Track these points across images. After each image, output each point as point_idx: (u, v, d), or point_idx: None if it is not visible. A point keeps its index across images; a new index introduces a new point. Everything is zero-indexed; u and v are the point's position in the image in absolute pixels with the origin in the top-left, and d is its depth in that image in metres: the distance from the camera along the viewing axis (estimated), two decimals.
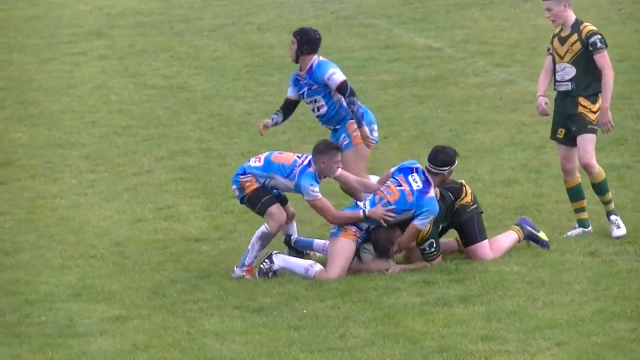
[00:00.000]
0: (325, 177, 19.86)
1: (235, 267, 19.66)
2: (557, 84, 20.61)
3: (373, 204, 19.83)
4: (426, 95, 31.57)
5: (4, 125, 29.22)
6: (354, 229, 20.31)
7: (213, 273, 19.48)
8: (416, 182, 19.74)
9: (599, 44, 20.05)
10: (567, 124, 20.87)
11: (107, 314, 17.30)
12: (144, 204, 22.90)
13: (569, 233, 20.18)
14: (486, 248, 20.40)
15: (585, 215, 20.43)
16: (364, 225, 20.42)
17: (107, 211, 22.37)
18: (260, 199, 20.09)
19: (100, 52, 34.69)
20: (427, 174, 19.67)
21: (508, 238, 20.58)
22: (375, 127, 21.43)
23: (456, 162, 19.86)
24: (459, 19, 39.66)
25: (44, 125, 28.14)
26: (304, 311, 17.67)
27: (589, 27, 20.13)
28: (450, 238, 20.43)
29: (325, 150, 19.96)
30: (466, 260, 20.08)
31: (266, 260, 20.14)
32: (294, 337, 16.61)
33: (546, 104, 20.41)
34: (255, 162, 19.95)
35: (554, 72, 20.98)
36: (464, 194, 20.07)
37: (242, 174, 20.09)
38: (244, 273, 19.47)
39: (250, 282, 19.50)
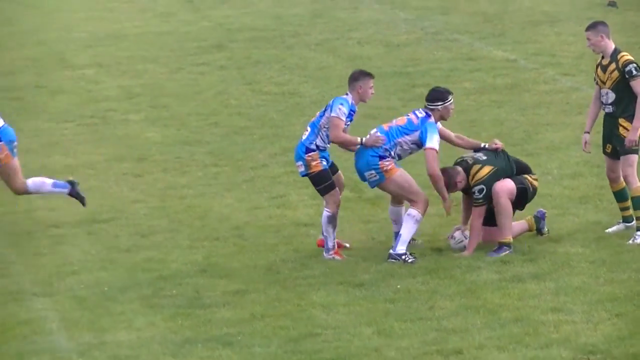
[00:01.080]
0: (361, 101, 21.85)
1: (324, 253, 21.66)
2: (602, 106, 22.66)
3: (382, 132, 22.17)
4: (503, 101, 34.06)
5: (140, 126, 32.19)
6: (386, 162, 22.31)
7: (319, 253, 21.47)
8: (420, 112, 22.09)
9: (634, 72, 22.27)
10: (613, 141, 22.82)
11: (229, 288, 19.49)
12: (259, 193, 25.18)
13: (612, 229, 21.95)
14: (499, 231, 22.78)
15: (629, 212, 22.38)
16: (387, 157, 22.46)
17: (228, 200, 24.83)
18: (325, 181, 22.09)
19: (221, 62, 37.85)
20: (427, 111, 22.12)
21: (519, 227, 23.12)
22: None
23: (449, 98, 21.95)
24: (531, 34, 42.81)
25: (174, 126, 31.19)
26: (398, 286, 19.68)
27: (625, 56, 22.08)
28: (522, 220, 22.27)
29: (359, 77, 21.86)
30: (538, 241, 22.06)
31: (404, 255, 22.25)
32: (389, 308, 18.71)
33: (586, 143, 22.84)
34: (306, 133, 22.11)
35: (600, 96, 23.15)
36: (532, 176, 22.17)
37: (306, 152, 22.08)
38: (333, 256, 21.43)
39: (351, 261, 21.38)
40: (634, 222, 21.51)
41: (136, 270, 20.21)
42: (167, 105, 33.82)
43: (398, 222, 22.13)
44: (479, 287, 19.64)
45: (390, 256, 21.15)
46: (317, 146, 21.94)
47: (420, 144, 22.09)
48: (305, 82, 36.53)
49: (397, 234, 21.63)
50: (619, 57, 22.12)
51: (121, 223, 22.44)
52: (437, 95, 21.80)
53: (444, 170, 21.48)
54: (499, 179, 21.82)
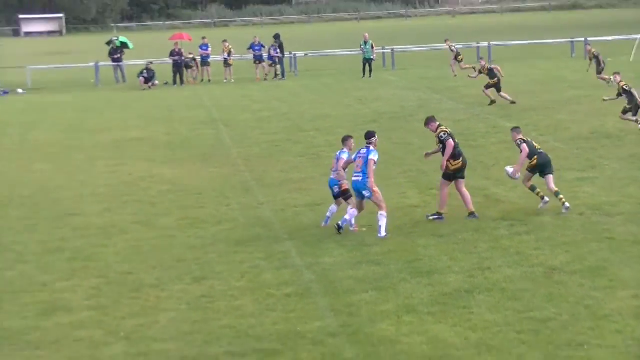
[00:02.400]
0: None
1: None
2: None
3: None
4: None
5: None
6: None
7: None
8: (364, 148, 29.96)
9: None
10: None
11: None
12: None
13: None
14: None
15: None
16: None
17: None
18: (349, 192, 29.66)
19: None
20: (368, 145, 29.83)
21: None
22: None
23: (376, 136, 29.92)
24: None
25: None
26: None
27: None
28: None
29: (373, 133, 29.63)
30: None
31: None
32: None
33: None
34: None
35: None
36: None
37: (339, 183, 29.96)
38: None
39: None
40: None
41: None
42: None
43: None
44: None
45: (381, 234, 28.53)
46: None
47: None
48: (413, 138, 45.54)
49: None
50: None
51: None
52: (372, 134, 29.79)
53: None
54: None
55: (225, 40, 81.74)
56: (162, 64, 77.74)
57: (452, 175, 29.97)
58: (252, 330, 21.26)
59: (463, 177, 30.22)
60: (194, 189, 36.41)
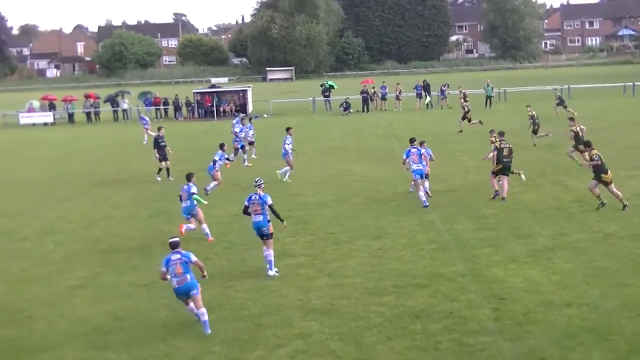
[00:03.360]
0: None
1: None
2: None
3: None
4: None
5: None
6: None
7: None
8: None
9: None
10: None
11: None
12: None
13: None
14: None
15: None
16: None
17: None
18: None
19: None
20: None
21: None
22: None
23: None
24: None
25: None
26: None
27: None
28: None
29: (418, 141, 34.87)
30: None
31: None
32: None
33: None
34: None
35: None
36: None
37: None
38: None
39: None
40: None
41: None
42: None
43: None
44: None
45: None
46: None
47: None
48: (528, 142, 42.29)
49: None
50: None
51: None
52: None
53: None
54: None
55: (398, 83, 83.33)
56: (355, 98, 76.53)
57: (497, 173, 29.43)
58: (410, 271, 21.31)
59: (505, 175, 29.15)
60: (374, 179, 35.81)
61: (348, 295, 19.22)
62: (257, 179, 22.26)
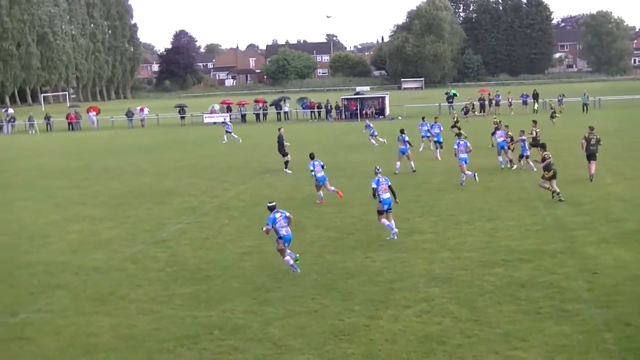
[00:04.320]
0: None
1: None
2: None
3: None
4: None
5: None
6: None
7: None
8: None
9: None
10: None
11: None
12: None
13: None
14: None
15: None
16: None
17: None
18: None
19: None
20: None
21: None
22: None
23: None
24: None
25: None
26: None
27: None
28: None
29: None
30: None
31: None
32: None
33: None
34: None
35: None
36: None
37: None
38: None
39: None
40: None
41: None
42: None
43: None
44: None
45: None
46: None
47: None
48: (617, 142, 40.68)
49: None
50: None
51: None
52: None
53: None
54: None
55: (509, 92, 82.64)
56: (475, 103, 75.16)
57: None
58: (517, 248, 20.72)
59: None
60: (489, 171, 34.52)
61: (465, 267, 18.81)
62: (376, 167, 22.76)
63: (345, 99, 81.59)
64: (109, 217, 27.68)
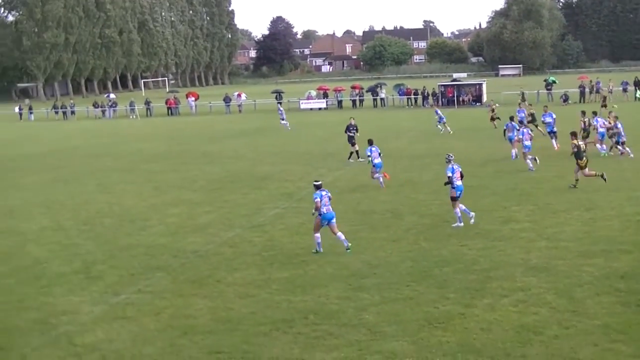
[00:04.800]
0: None
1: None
2: None
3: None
4: None
5: None
6: None
7: None
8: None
9: None
10: None
11: None
12: None
13: None
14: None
15: None
16: None
17: None
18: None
19: None
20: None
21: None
22: None
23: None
24: None
25: None
26: None
27: None
28: None
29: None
30: None
31: None
32: None
33: None
34: None
35: None
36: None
37: None
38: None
39: None
40: None
41: None
42: None
43: None
44: None
45: None
46: None
47: None
48: None
49: None
50: None
51: None
52: None
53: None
54: None
55: (610, 80, 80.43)
56: (573, 92, 74.42)
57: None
58: (617, 238, 20.62)
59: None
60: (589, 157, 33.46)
61: (563, 256, 18.55)
62: (448, 154, 23.13)
63: (442, 85, 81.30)
64: (206, 202, 28.12)
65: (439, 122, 49.82)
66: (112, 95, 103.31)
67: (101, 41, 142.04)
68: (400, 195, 27.26)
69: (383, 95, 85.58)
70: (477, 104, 78.07)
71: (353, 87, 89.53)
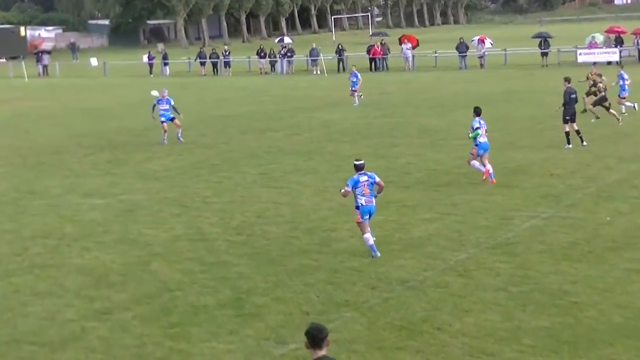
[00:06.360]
0: None
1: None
2: None
3: None
4: None
5: None
6: None
7: None
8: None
9: None
10: None
11: None
12: None
13: None
14: None
15: None
16: None
17: None
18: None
19: None
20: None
21: None
22: None
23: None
24: None
25: None
26: None
27: None
28: None
29: None
30: None
31: None
32: None
33: None
34: None
35: None
36: None
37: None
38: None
39: None
40: None
41: None
42: None
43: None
44: None
45: None
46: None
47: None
48: None
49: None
50: None
51: None
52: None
53: None
54: None
55: None
56: None
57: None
58: None
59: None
60: None
61: None
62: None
63: None
64: (425, 204, 24.41)
65: None
66: (286, 40, 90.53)
67: None
68: None
69: None
70: None
71: None
